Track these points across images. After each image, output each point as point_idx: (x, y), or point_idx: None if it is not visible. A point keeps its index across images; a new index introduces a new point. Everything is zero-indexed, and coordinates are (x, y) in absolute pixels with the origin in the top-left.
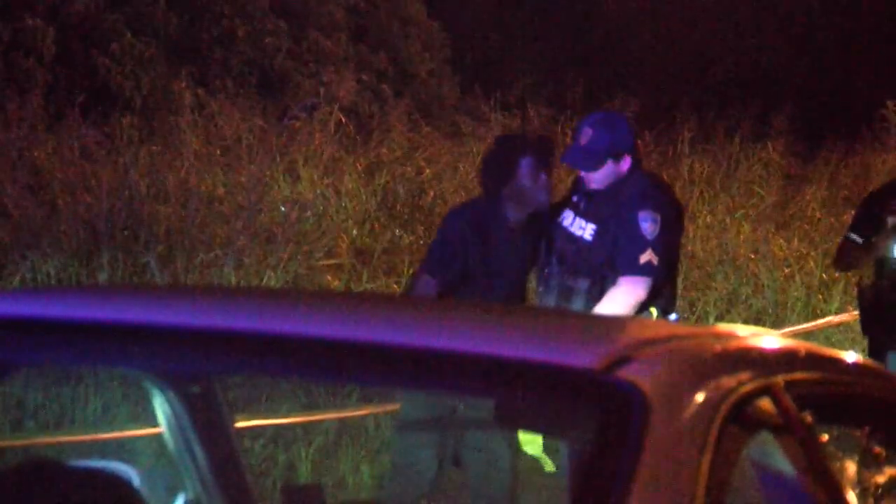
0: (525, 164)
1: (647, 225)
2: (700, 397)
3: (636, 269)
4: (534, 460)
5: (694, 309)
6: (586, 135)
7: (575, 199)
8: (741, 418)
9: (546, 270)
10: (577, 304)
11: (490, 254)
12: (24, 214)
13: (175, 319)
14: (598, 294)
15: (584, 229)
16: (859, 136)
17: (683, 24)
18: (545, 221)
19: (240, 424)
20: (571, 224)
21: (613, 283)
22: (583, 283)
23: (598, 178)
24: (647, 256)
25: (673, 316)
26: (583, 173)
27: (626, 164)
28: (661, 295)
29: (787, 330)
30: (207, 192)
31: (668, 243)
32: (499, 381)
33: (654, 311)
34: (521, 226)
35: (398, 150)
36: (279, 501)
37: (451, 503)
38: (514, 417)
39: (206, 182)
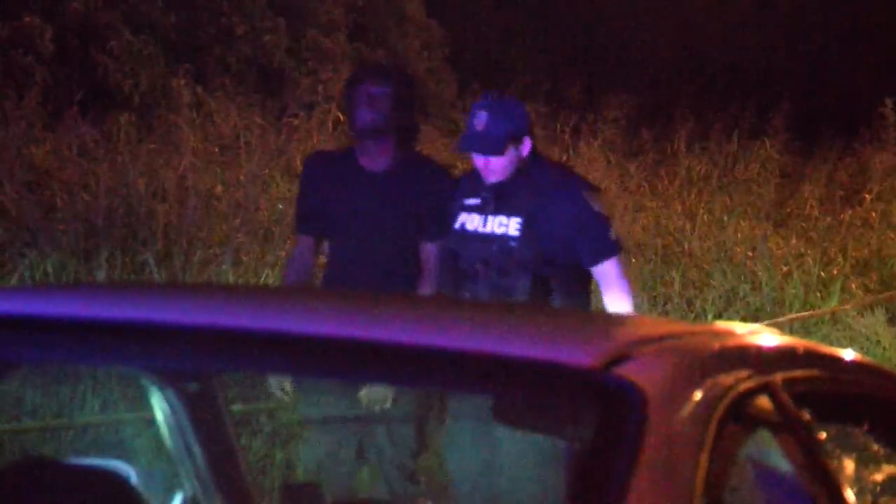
0: (359, 92)
1: (597, 203)
2: (698, 395)
3: (613, 248)
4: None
5: (692, 307)
6: (481, 119)
7: (475, 201)
8: (739, 416)
9: (468, 272)
10: None
11: (353, 198)
12: (23, 212)
13: (173, 317)
14: (542, 292)
15: (507, 225)
16: (857, 135)
17: (682, 22)
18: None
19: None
20: (483, 226)
21: (557, 278)
22: (521, 282)
23: (501, 167)
24: (614, 233)
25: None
26: (481, 165)
27: (526, 148)
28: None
29: (786, 317)
30: (206, 190)
31: None
32: (497, 378)
33: None
34: (379, 166)
35: None
36: (278, 500)
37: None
38: (512, 415)
39: (204, 180)
